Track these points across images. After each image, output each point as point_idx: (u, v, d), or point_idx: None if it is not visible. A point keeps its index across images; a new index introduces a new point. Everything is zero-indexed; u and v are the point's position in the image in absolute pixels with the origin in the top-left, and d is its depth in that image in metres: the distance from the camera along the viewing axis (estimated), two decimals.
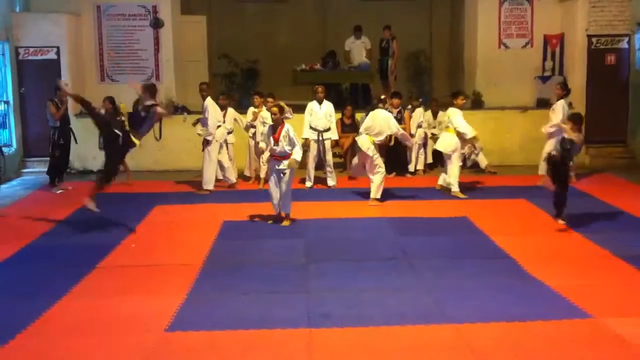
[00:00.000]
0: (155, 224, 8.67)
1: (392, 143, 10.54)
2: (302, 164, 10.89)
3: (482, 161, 12.00)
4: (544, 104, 12.64)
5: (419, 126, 12.04)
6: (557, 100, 10.47)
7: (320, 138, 10.79)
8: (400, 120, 11.16)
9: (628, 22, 12.99)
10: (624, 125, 13.19)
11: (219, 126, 10.49)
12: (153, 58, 13.37)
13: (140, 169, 12.03)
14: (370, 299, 6.00)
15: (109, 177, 8.41)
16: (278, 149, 8.37)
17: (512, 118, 13.02)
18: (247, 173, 11.46)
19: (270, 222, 8.64)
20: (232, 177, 10.86)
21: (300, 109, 10.78)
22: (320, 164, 11.06)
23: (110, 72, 13.42)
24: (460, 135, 9.96)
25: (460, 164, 10.25)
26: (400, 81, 14.37)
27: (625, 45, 13.08)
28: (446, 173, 10.27)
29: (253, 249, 7.59)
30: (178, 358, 4.96)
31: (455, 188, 10.07)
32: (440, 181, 10.36)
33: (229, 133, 10.91)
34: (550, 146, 9.48)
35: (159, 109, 8.33)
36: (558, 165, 8.17)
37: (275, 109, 8.45)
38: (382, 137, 9.74)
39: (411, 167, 12.04)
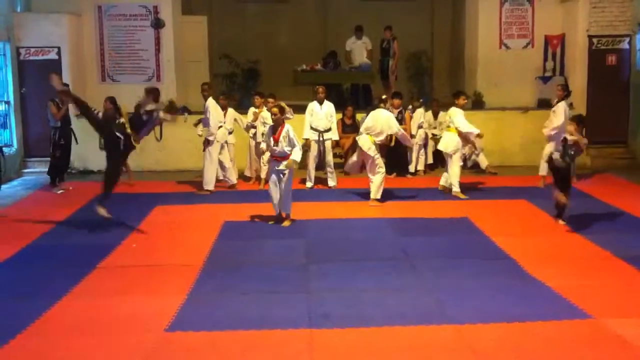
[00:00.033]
0: (156, 224, 8.67)
1: (392, 144, 10.53)
2: (303, 165, 10.92)
3: (483, 162, 12.00)
4: (545, 104, 12.63)
5: (420, 126, 12.04)
6: (558, 101, 10.41)
7: (321, 138, 10.78)
8: (401, 120, 11.16)
9: (629, 22, 12.99)
10: (625, 126, 13.20)
11: (220, 126, 10.49)
12: (154, 58, 13.38)
13: (141, 169, 12.04)
14: (370, 299, 6.00)
15: (113, 181, 8.40)
16: (278, 149, 8.37)
17: (513, 118, 13.01)
18: (247, 173, 11.46)
19: (271, 222, 8.64)
20: (233, 177, 10.86)
21: (301, 109, 10.78)
22: (321, 165, 11.06)
23: (111, 73, 13.43)
24: (461, 135, 9.96)
25: (461, 164, 10.25)
26: (401, 81, 14.37)
27: (626, 46, 13.09)
28: (448, 173, 10.27)
29: (253, 249, 7.59)
30: (178, 358, 4.96)
31: (456, 188, 10.07)
32: (442, 182, 10.35)
33: (229, 133, 10.91)
34: (550, 147, 9.47)
35: (162, 114, 8.34)
36: (563, 173, 8.16)
37: (275, 110, 8.46)
38: (382, 137, 9.74)
39: (411, 168, 12.04)
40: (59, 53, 12.57)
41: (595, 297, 5.99)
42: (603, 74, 13.05)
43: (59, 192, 10.76)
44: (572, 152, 8.18)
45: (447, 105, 11.83)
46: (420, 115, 12.07)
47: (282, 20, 16.28)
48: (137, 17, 13.29)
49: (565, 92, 10.58)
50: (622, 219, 8.86)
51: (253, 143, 11.10)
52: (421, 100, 12.55)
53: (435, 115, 12.47)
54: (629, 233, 8.20)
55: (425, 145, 12.17)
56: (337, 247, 7.67)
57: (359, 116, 11.90)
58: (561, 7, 13.70)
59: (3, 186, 10.23)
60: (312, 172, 10.88)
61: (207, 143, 10.34)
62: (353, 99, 13.89)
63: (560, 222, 8.43)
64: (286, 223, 8.58)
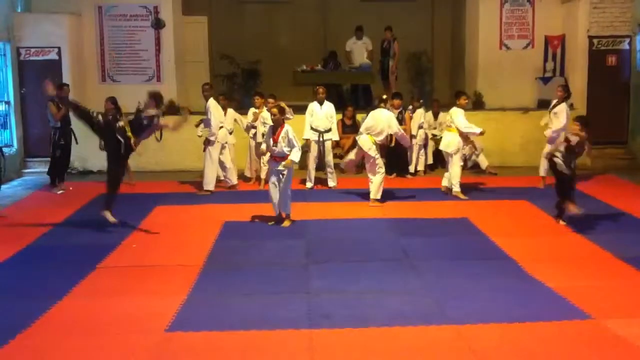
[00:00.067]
0: (156, 225, 8.66)
1: (392, 144, 10.53)
2: (303, 165, 10.93)
3: (483, 162, 12.00)
4: (545, 105, 12.60)
5: (420, 127, 12.03)
6: (559, 102, 10.39)
7: (321, 139, 10.78)
8: (401, 121, 11.15)
9: (629, 23, 13.00)
10: (625, 126, 13.20)
11: (221, 127, 10.49)
12: (154, 59, 13.38)
13: (141, 169, 12.03)
14: (370, 300, 6.00)
15: (116, 184, 8.39)
16: (277, 149, 8.37)
17: (513, 119, 13.01)
18: (247, 174, 11.46)
19: (271, 223, 8.63)
20: (234, 178, 10.85)
21: (301, 109, 10.79)
22: (321, 165, 11.05)
23: (112, 73, 13.43)
24: (462, 134, 9.95)
25: (462, 164, 10.24)
26: (401, 82, 14.38)
27: (626, 47, 13.09)
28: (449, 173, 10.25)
29: (254, 250, 7.59)
30: (179, 358, 4.96)
31: (456, 188, 10.06)
32: (445, 182, 10.29)
33: (230, 133, 10.91)
34: (550, 147, 9.46)
35: (162, 122, 8.34)
36: (567, 178, 8.15)
37: (275, 110, 8.46)
38: (383, 137, 9.74)
39: (411, 168, 12.04)
40: (59, 53, 12.58)
41: (595, 298, 5.99)
42: (603, 75, 13.05)
43: (59, 192, 10.76)
44: (577, 152, 8.19)
45: (447, 105, 11.84)
46: (421, 116, 12.06)
47: (282, 20, 16.29)
48: (138, 17, 13.29)
49: (566, 93, 10.57)
50: (622, 220, 8.86)
51: (253, 143, 11.10)
52: (421, 100, 12.56)
53: (436, 116, 12.48)
54: (629, 233, 8.20)
55: (425, 146, 12.17)
56: (337, 247, 7.67)
57: (359, 116, 11.90)
58: (561, 7, 13.71)
59: (3, 186, 10.24)
60: (312, 173, 10.88)
61: (207, 143, 10.34)
62: (353, 100, 13.90)
63: (561, 222, 8.43)
64: (286, 223, 8.58)
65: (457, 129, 9.94)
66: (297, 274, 6.75)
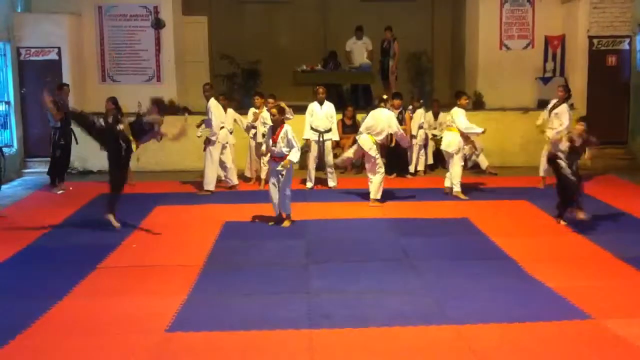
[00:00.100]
0: (157, 225, 8.66)
1: (393, 144, 10.53)
2: (303, 165, 10.93)
3: (483, 162, 12.00)
4: (545, 105, 12.61)
5: (420, 127, 12.03)
6: (560, 102, 10.37)
7: (321, 139, 10.78)
8: (401, 121, 11.14)
9: (629, 23, 13.00)
10: (625, 127, 13.19)
11: (222, 127, 10.49)
12: (154, 59, 13.38)
13: (141, 169, 12.03)
14: (370, 300, 6.00)
15: (118, 186, 8.38)
16: (276, 150, 8.37)
17: (513, 119, 13.01)
18: (247, 174, 11.46)
19: (271, 223, 8.63)
20: (234, 178, 10.85)
21: (301, 109, 10.79)
22: (321, 165, 11.05)
23: (112, 73, 13.43)
24: (462, 134, 9.95)
25: (462, 163, 10.24)
26: (401, 82, 14.37)
27: (626, 47, 13.09)
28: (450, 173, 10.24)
29: (254, 250, 7.59)
30: (179, 358, 4.96)
31: (457, 188, 10.06)
32: (448, 183, 10.25)
33: (230, 133, 10.91)
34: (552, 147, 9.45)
35: (163, 131, 8.36)
36: (573, 186, 8.15)
37: (274, 110, 8.46)
38: (383, 136, 9.74)
39: (412, 168, 12.04)
40: (59, 53, 12.59)
41: (595, 298, 5.99)
42: (603, 75, 13.05)
43: (59, 192, 10.76)
44: (580, 152, 8.20)
45: (447, 105, 11.84)
46: (421, 116, 12.06)
47: (282, 20, 16.28)
48: (138, 17, 13.30)
49: (567, 93, 10.56)
50: (623, 220, 8.87)
51: (253, 143, 11.10)
52: (421, 100, 12.56)
53: (436, 116, 12.48)
54: (629, 233, 8.20)
55: (425, 146, 12.17)
56: (337, 247, 7.67)
57: (359, 117, 11.90)
58: (561, 7, 13.71)
59: (3, 186, 10.25)
60: (313, 173, 10.87)
61: (207, 142, 10.34)
62: (353, 100, 13.89)
63: (562, 222, 8.43)
64: (286, 223, 8.58)
65: (458, 129, 9.94)
66: (297, 274, 6.75)
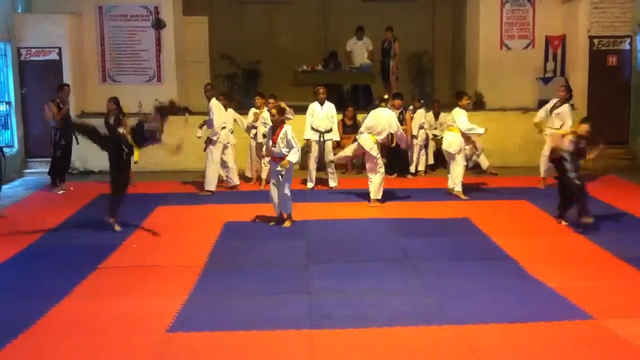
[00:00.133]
0: (157, 225, 8.66)
1: (393, 144, 10.53)
2: (304, 165, 10.92)
3: (484, 162, 12.00)
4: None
5: (421, 127, 12.03)
6: (562, 102, 10.35)
7: (322, 139, 10.78)
8: (401, 121, 11.15)
9: (630, 23, 13.00)
10: (626, 127, 13.19)
11: (224, 127, 10.49)
12: (155, 59, 13.38)
13: (142, 169, 12.01)
14: (371, 300, 6.01)
15: (118, 189, 8.39)
16: (276, 150, 8.37)
17: (513, 119, 13.00)
18: (248, 174, 11.46)
19: (272, 223, 8.63)
20: (235, 178, 10.85)
21: (301, 110, 10.79)
22: (322, 165, 11.05)
23: (112, 73, 13.43)
24: (463, 134, 9.95)
25: (464, 163, 10.23)
26: (402, 82, 14.36)
27: (627, 47, 13.09)
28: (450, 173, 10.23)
29: (254, 250, 7.59)
30: (179, 359, 4.96)
31: (458, 188, 10.05)
32: (450, 184, 10.22)
33: (231, 133, 10.91)
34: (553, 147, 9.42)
35: (164, 140, 8.38)
36: (577, 190, 8.14)
37: (274, 111, 8.46)
38: (383, 136, 9.74)
39: (412, 168, 12.04)
40: (59, 53, 12.58)
41: (595, 298, 5.99)
42: (604, 75, 13.05)
43: (60, 192, 10.76)
44: (584, 153, 8.20)
45: (448, 106, 11.84)
46: (421, 116, 12.06)
47: (283, 20, 16.28)
48: (138, 17, 13.29)
49: (569, 93, 10.55)
50: (623, 220, 8.87)
51: (254, 144, 11.10)
52: (422, 101, 12.56)
53: (436, 116, 12.48)
54: (630, 233, 8.20)
55: (426, 146, 12.17)
56: (338, 247, 7.67)
57: (359, 117, 11.89)
58: (562, 7, 13.70)
59: (4, 186, 10.23)
60: (313, 173, 10.87)
61: (208, 142, 10.34)
62: (354, 100, 13.89)
63: (563, 223, 8.43)
64: (287, 224, 8.58)
65: (459, 129, 9.93)
66: (298, 274, 6.76)
